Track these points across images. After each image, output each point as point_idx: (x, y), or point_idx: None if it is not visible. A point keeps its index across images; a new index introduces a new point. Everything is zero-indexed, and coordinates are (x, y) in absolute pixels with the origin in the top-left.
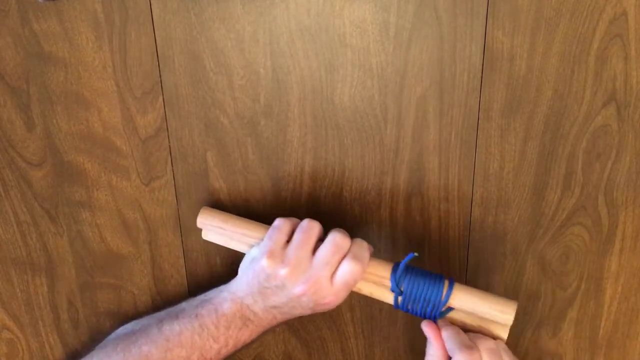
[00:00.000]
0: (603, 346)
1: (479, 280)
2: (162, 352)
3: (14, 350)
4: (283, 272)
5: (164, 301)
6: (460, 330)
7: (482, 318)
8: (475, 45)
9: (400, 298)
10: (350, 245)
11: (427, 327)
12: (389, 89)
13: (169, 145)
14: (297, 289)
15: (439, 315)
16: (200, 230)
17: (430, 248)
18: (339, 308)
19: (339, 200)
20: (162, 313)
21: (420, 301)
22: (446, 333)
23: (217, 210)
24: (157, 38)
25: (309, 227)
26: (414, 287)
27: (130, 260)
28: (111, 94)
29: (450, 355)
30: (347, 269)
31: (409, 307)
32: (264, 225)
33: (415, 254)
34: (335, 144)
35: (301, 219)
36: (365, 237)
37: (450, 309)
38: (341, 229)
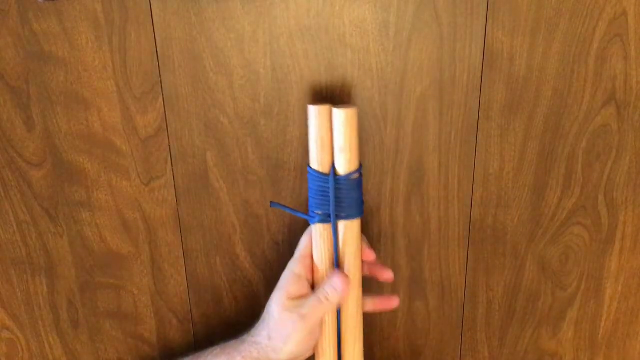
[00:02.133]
0: (603, 346)
1: (479, 280)
2: None
3: (14, 350)
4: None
5: (164, 301)
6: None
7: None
8: (475, 45)
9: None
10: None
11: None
12: (389, 89)
13: (169, 145)
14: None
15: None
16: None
17: (430, 248)
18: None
19: None
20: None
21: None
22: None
23: None
24: (157, 38)
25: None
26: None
27: (130, 260)
28: (111, 94)
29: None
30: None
31: None
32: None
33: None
34: None
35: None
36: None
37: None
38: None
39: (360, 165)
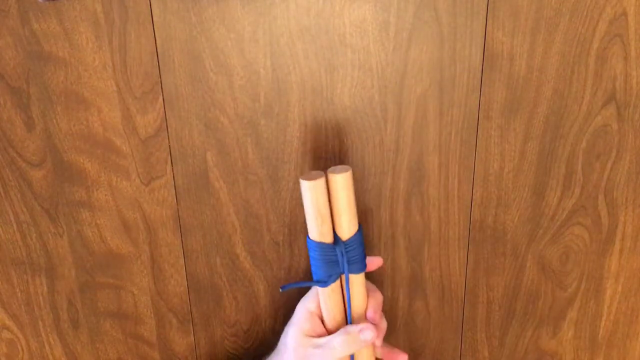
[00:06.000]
0: (603, 346)
1: (479, 280)
2: None
3: (14, 350)
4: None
5: (164, 301)
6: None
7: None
8: (475, 45)
9: None
10: None
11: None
12: (389, 89)
13: (169, 145)
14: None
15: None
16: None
17: (430, 248)
18: None
19: None
20: None
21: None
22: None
23: None
24: (157, 38)
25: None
26: None
27: (130, 260)
28: (111, 94)
29: None
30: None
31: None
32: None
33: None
34: (335, 144)
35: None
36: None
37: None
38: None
39: (360, 225)
